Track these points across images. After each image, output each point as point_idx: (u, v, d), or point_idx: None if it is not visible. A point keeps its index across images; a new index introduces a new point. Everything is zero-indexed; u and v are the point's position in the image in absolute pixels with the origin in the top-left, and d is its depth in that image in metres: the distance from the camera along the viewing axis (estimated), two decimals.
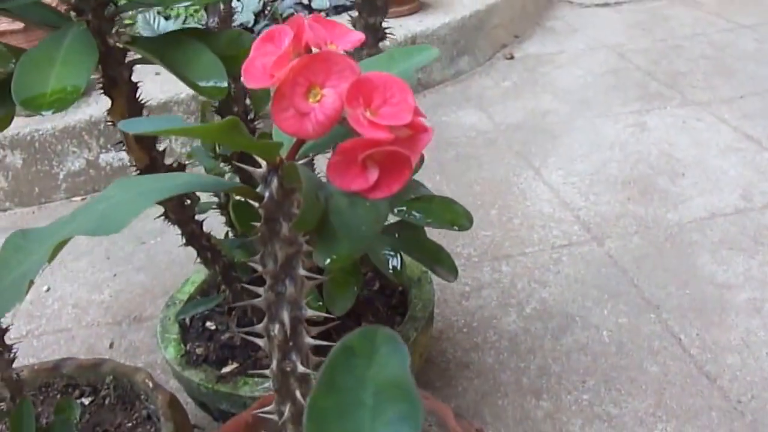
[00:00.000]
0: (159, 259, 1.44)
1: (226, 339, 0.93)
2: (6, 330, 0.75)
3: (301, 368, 0.49)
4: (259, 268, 0.48)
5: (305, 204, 0.36)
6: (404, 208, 0.69)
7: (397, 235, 0.74)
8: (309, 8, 2.15)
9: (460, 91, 2.09)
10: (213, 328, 0.96)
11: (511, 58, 2.29)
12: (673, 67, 2.12)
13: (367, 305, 0.94)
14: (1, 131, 0.70)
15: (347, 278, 0.73)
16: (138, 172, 0.70)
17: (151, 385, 0.86)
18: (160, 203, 0.73)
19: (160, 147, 0.70)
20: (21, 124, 1.68)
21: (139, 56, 0.60)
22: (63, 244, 0.37)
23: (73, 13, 0.57)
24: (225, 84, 0.53)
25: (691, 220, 1.40)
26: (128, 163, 1.74)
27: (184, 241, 0.79)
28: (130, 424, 0.86)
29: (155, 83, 1.74)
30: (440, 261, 0.71)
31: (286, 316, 0.49)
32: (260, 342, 0.52)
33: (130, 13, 0.69)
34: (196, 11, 2.18)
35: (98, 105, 1.74)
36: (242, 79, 0.38)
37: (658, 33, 2.39)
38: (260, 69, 0.38)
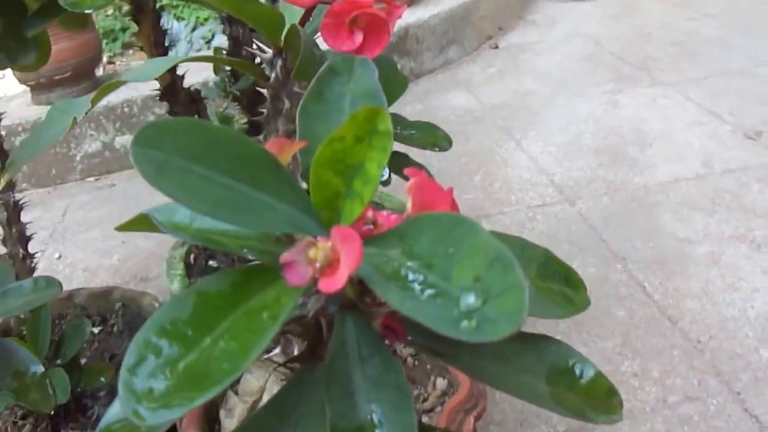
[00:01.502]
0: None
1: None
2: (30, 238, 0.83)
3: None
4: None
5: (302, 56, 0.45)
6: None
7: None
8: None
9: (449, 77, 2.21)
10: (215, 265, 1.04)
11: (496, 47, 2.40)
12: (643, 52, 2.23)
13: None
14: (38, 68, 0.78)
15: None
16: (160, 92, 0.79)
17: (157, 305, 0.93)
18: None
19: (179, 72, 0.79)
20: (42, 111, 1.78)
21: None
22: (107, 91, 0.45)
23: None
24: None
25: (656, 184, 1.50)
26: None
27: None
28: None
29: None
30: None
31: None
32: None
33: None
34: (206, 19, 2.30)
35: (115, 92, 1.84)
36: None
37: (630, 23, 2.52)
38: None
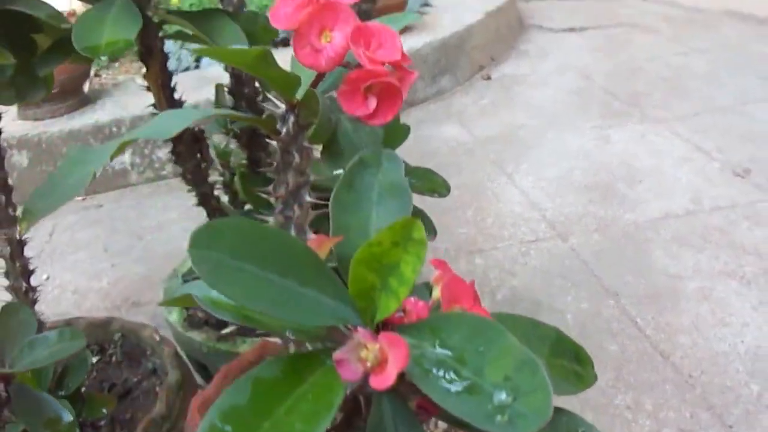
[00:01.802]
0: (156, 252, 1.52)
1: None
2: (32, 272, 0.84)
3: None
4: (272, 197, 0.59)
5: (320, 120, 0.47)
6: None
7: None
8: None
9: (441, 108, 2.23)
10: None
11: (488, 78, 2.43)
12: (633, 87, 2.27)
13: None
14: (47, 93, 0.79)
15: None
16: None
17: (157, 338, 0.93)
18: (180, 164, 0.83)
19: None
20: (29, 127, 1.77)
21: (170, 32, 0.71)
22: (126, 145, 0.47)
23: None
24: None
25: (646, 220, 1.52)
26: (129, 168, 1.82)
27: (197, 201, 0.90)
28: (135, 379, 0.92)
29: None
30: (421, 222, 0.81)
31: None
32: None
33: None
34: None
35: (103, 111, 1.85)
36: (270, 21, 0.49)
37: (619, 56, 2.56)
38: (283, 15, 0.49)
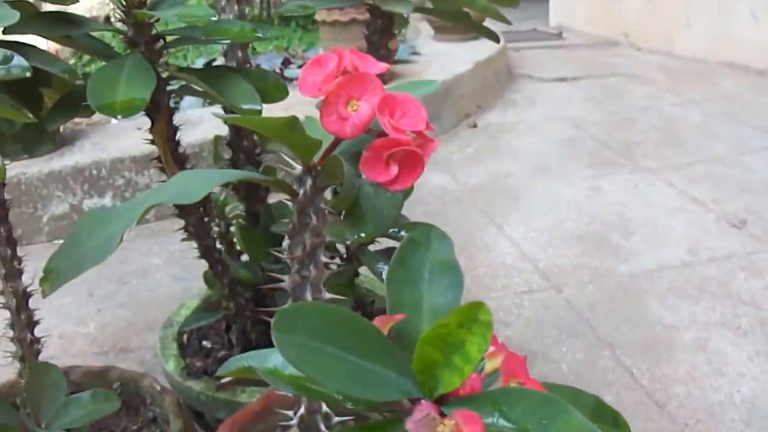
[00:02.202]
0: (141, 297, 1.51)
1: (223, 356, 1.00)
2: (36, 323, 0.83)
3: None
4: (286, 256, 0.58)
5: (345, 187, 0.47)
6: (396, 230, 0.81)
7: (387, 256, 0.85)
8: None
9: None
10: (209, 346, 1.04)
11: (474, 126, 2.45)
12: (626, 137, 2.30)
13: None
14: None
15: (344, 291, 0.84)
16: None
17: (158, 388, 0.92)
18: (183, 218, 0.83)
19: (188, 166, 0.80)
20: (8, 167, 1.75)
21: (177, 86, 0.71)
22: (150, 209, 0.46)
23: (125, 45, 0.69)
24: (260, 107, 0.64)
25: (641, 271, 1.53)
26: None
27: (199, 254, 0.89)
28: (135, 427, 0.91)
29: None
30: None
31: (309, 298, 0.59)
32: None
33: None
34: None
35: (82, 153, 1.83)
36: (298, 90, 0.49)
37: (612, 106, 2.59)
38: (311, 84, 0.49)
